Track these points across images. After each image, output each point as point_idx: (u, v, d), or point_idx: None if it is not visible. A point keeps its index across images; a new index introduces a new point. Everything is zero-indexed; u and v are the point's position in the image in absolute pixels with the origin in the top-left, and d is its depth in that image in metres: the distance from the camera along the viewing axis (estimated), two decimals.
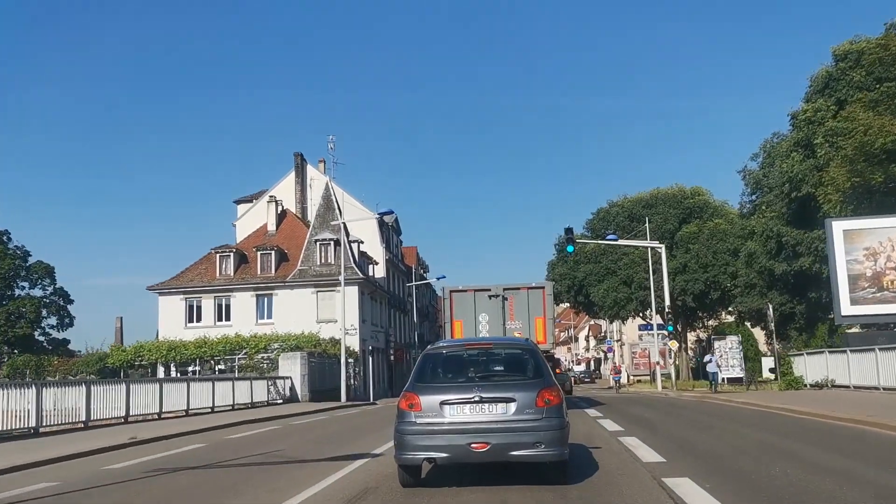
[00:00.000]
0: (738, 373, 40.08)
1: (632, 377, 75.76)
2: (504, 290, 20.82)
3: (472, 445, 7.77)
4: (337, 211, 50.65)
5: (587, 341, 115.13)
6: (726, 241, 51.31)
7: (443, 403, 7.98)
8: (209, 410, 26.48)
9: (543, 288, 21.35)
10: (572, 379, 63.85)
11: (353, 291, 48.59)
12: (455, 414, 7.96)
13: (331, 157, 65.22)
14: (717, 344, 41.15)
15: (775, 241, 34.52)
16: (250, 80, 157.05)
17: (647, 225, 46.47)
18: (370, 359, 52.42)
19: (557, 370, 23.74)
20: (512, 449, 7.78)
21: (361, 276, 48.84)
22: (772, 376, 36.39)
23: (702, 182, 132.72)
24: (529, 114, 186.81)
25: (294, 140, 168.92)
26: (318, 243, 49.24)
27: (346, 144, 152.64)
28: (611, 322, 62.75)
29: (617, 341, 77.10)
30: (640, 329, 53.94)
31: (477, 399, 7.94)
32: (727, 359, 40.61)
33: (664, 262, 40.19)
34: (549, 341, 21.21)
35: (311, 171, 60.80)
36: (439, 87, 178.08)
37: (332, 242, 49.20)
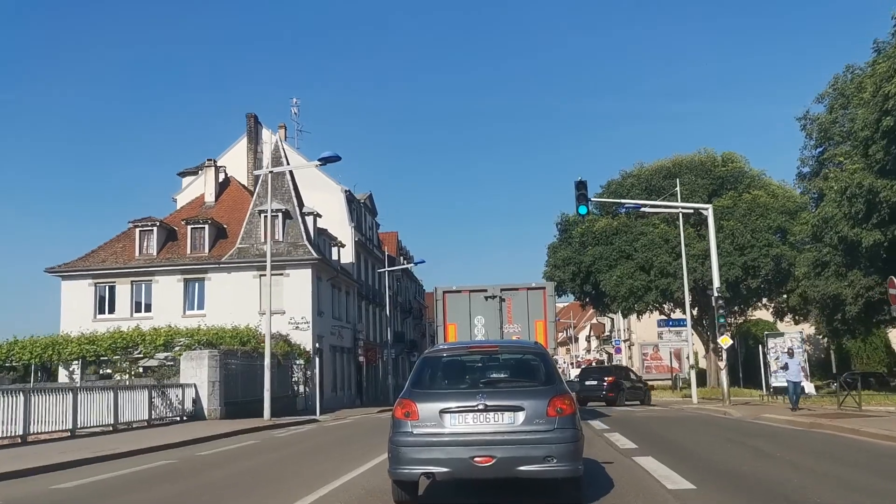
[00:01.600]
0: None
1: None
2: (502, 290, 19.48)
3: (476, 459, 7.09)
4: (288, 176, 40.95)
5: (588, 342, 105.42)
6: (768, 216, 41.76)
7: (443, 412, 7.32)
8: (68, 434, 17.48)
9: (544, 289, 20.06)
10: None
11: (304, 275, 38.94)
12: (456, 424, 7.29)
13: (294, 124, 55.88)
14: (772, 343, 31.49)
15: (864, 200, 24.87)
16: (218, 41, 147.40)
17: (678, 187, 36.86)
18: (329, 359, 42.77)
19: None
20: (520, 464, 7.08)
21: (316, 256, 39.12)
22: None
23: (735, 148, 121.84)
24: (528, 97, 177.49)
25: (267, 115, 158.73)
26: (262, 215, 39.55)
27: (330, 129, 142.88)
28: (624, 317, 52.89)
29: (625, 341, 67.48)
30: (659, 325, 44.51)
31: (481, 407, 7.27)
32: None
33: (712, 231, 30.54)
34: (551, 346, 19.56)
35: (268, 137, 51.14)
36: (434, 70, 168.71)
37: (280, 214, 39.50)
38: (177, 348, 26.82)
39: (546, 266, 48.06)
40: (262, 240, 39.49)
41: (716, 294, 28.39)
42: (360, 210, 54.77)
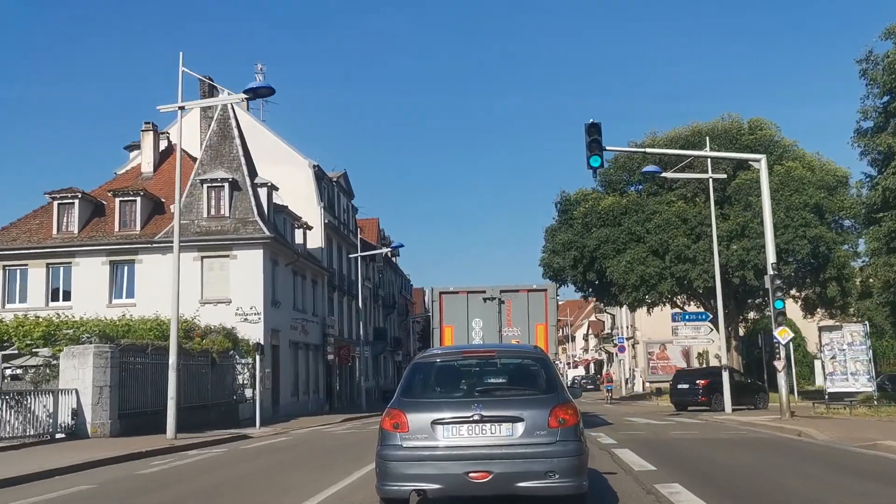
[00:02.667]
0: (863, 384, 24.19)
1: (647, 384, 60.01)
2: (501, 292, 18.64)
3: (471, 475, 6.57)
4: (237, 141, 34.54)
5: (586, 340, 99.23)
6: (804, 192, 35.47)
7: (435, 423, 6.80)
8: None
9: (546, 290, 19.32)
10: (609, 393, 48.15)
11: (254, 257, 32.51)
12: (450, 436, 6.78)
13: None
14: (827, 337, 25.21)
15: None
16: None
17: (707, 147, 30.62)
18: (289, 358, 36.36)
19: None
20: (519, 479, 6.56)
21: (269, 234, 32.70)
22: None
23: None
24: (523, 83, 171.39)
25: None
26: (205, 186, 33.11)
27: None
28: (633, 310, 46.36)
29: (629, 339, 61.24)
30: (673, 319, 38.21)
31: (477, 418, 6.74)
32: (842, 361, 24.67)
33: (765, 187, 24.10)
34: (552, 351, 18.51)
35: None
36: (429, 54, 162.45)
37: (226, 185, 33.08)
38: (61, 342, 20.31)
39: (543, 252, 41.73)
40: (207, 215, 33.07)
41: (770, 272, 22.03)
42: (333, 189, 48.38)
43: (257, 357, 26.14)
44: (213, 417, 25.81)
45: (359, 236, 50.72)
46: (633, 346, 61.75)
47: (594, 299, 46.91)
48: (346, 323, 50.51)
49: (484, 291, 19.07)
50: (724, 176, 33.63)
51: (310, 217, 42.63)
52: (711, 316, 37.33)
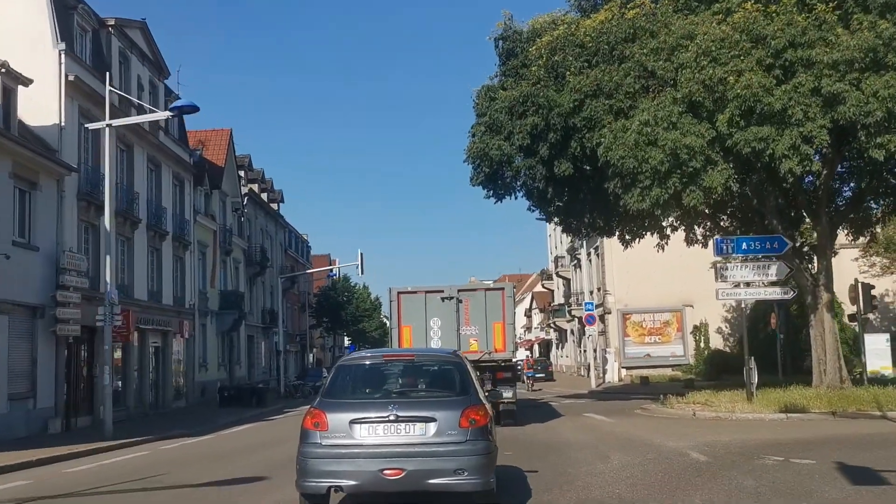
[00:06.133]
0: None
1: (627, 374, 41.51)
2: (459, 291, 18.72)
3: (385, 472, 7.06)
4: None
5: (529, 317, 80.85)
6: None
7: (353, 422, 7.27)
8: None
9: (503, 289, 19.25)
10: (530, 380, 40.77)
11: None
12: (366, 435, 7.25)
13: None
14: None
15: None
16: None
17: None
18: None
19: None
20: (430, 476, 7.08)
21: None
22: None
23: None
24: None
25: None
26: None
27: None
28: (645, 234, 26.00)
29: (598, 306, 42.67)
30: (719, 251, 19.69)
31: (392, 418, 7.22)
32: None
33: None
34: (510, 349, 18.66)
35: None
36: None
37: None
38: None
39: (472, 135, 22.41)
40: None
41: None
42: (108, 41, 27.77)
43: None
44: None
45: (196, 154, 29.71)
46: (604, 315, 43.20)
47: (561, 226, 27.05)
48: (148, 276, 30.30)
49: (442, 291, 18.76)
50: None
51: (37, 67, 22.46)
52: (791, 245, 19.17)
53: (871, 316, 29.37)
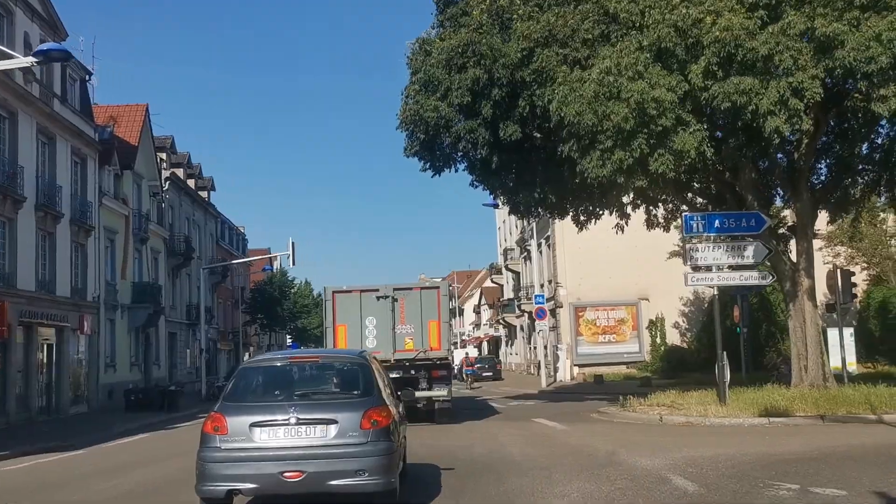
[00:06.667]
0: None
1: (580, 371, 38.81)
2: (394, 290, 18.58)
3: (285, 474, 7.04)
4: None
5: (477, 313, 77.97)
6: None
7: (253, 426, 7.21)
8: None
9: (438, 288, 19.41)
10: (469, 378, 39.59)
11: None
12: (267, 438, 7.20)
13: None
14: None
15: None
16: None
17: None
18: None
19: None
20: (331, 478, 7.07)
21: None
22: None
23: None
24: None
25: None
26: None
27: None
28: (603, 212, 22.59)
29: (549, 299, 39.88)
30: (688, 229, 16.96)
31: (293, 421, 7.19)
32: None
33: None
34: (445, 347, 18.55)
35: None
36: None
37: None
38: None
39: (406, 96, 19.19)
40: None
41: None
42: None
43: None
44: None
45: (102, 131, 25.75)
46: (555, 309, 40.43)
47: (508, 206, 23.83)
48: (38, 263, 26.38)
49: (377, 290, 18.65)
50: None
51: None
52: (770, 222, 16.64)
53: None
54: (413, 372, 17.90)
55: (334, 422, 7.14)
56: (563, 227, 38.50)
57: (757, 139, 15.68)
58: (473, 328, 78.84)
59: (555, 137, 17.03)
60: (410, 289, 19.20)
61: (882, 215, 33.28)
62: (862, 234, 32.75)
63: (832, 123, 18.31)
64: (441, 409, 18.13)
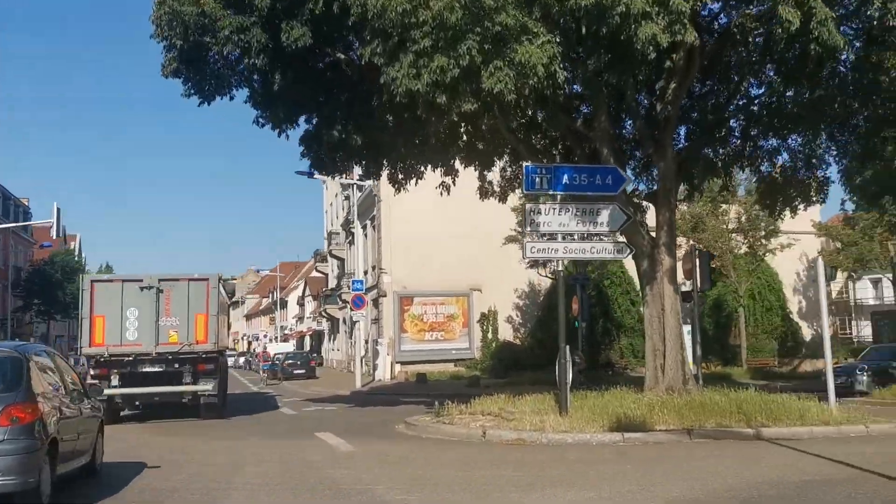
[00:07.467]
0: None
1: (401, 369, 34.35)
2: (160, 280, 17.86)
3: None
4: None
5: (301, 306, 72.08)
6: None
7: None
8: None
9: (207, 280, 18.24)
10: (266, 373, 37.58)
11: None
12: None
13: None
14: None
15: None
16: None
17: None
18: None
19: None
20: None
21: None
22: None
23: None
24: None
25: None
26: None
27: None
28: (425, 168, 17.38)
29: (372, 288, 35.19)
30: (528, 187, 12.82)
31: None
32: None
33: None
34: (212, 341, 17.74)
35: None
36: None
37: None
38: None
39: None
40: None
41: None
42: None
43: None
44: None
45: None
46: (378, 300, 35.75)
47: (305, 156, 18.55)
48: None
49: (141, 280, 17.86)
50: None
51: None
52: (629, 179, 12.84)
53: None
54: (177, 365, 17.36)
55: None
56: (390, 207, 34.03)
57: (624, 59, 11.67)
58: (297, 321, 72.88)
59: (358, 43, 12.27)
60: (178, 280, 18.14)
61: (724, 207, 31.50)
62: (705, 224, 30.79)
63: (706, 64, 14.75)
64: (207, 403, 17.55)
